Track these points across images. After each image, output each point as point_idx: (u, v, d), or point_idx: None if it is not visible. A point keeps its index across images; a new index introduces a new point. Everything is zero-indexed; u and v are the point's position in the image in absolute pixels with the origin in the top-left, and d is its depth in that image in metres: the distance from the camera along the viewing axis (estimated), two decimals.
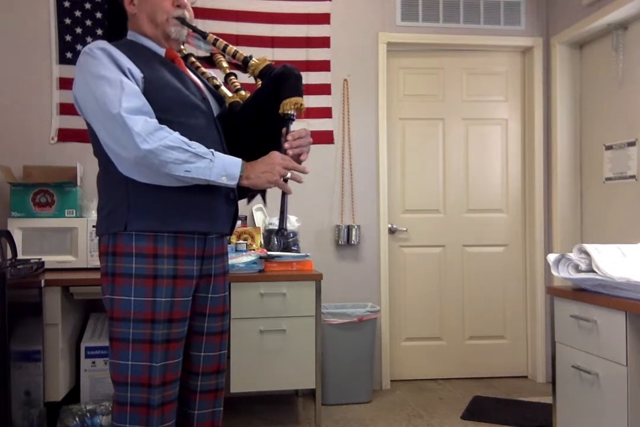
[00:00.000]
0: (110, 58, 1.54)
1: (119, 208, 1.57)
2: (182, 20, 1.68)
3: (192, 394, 1.71)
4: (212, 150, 1.54)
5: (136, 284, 1.55)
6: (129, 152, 1.47)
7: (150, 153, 1.45)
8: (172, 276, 1.58)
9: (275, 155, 1.59)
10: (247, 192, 1.75)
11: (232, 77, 1.85)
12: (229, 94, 1.80)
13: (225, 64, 1.83)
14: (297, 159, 1.66)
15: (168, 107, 1.58)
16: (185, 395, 1.70)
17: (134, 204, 1.56)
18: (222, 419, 1.78)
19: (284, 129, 1.65)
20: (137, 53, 1.62)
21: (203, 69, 1.85)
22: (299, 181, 1.62)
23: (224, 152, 1.66)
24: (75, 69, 1.59)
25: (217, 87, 1.82)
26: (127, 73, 1.53)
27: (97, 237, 1.67)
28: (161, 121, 1.52)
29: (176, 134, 1.50)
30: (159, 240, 1.57)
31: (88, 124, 1.59)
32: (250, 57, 1.73)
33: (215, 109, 1.74)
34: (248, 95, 1.78)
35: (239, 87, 1.82)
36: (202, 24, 3.15)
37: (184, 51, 1.86)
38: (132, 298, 1.55)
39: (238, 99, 1.77)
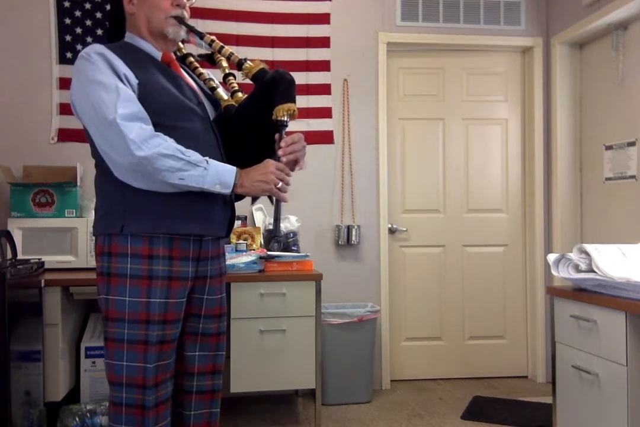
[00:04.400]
0: (107, 63, 1.54)
1: (115, 210, 1.58)
2: (180, 20, 1.68)
3: (187, 395, 1.71)
4: (206, 158, 1.54)
5: (131, 284, 1.55)
6: (124, 158, 1.47)
7: (144, 160, 1.46)
8: (167, 277, 1.58)
9: (269, 163, 1.59)
10: (244, 195, 1.75)
11: (231, 77, 1.84)
12: (225, 96, 1.80)
13: (225, 64, 1.82)
14: (294, 166, 1.66)
15: (164, 111, 1.58)
16: (180, 397, 1.70)
17: (130, 206, 1.56)
18: (220, 420, 1.78)
19: (277, 135, 1.64)
20: (133, 57, 1.62)
21: (201, 70, 1.85)
22: (284, 199, 1.60)
23: (222, 156, 1.66)
24: (73, 73, 1.60)
25: (214, 89, 1.81)
26: (123, 78, 1.54)
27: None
28: (157, 126, 1.53)
29: (171, 142, 1.51)
30: (155, 241, 1.57)
31: (85, 127, 1.60)
32: (245, 59, 1.72)
33: (211, 112, 1.74)
34: (244, 97, 1.78)
35: (236, 88, 1.82)
36: (202, 24, 3.15)
37: (183, 50, 1.86)
38: (127, 299, 1.55)
39: (233, 102, 1.77)
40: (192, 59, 1.85)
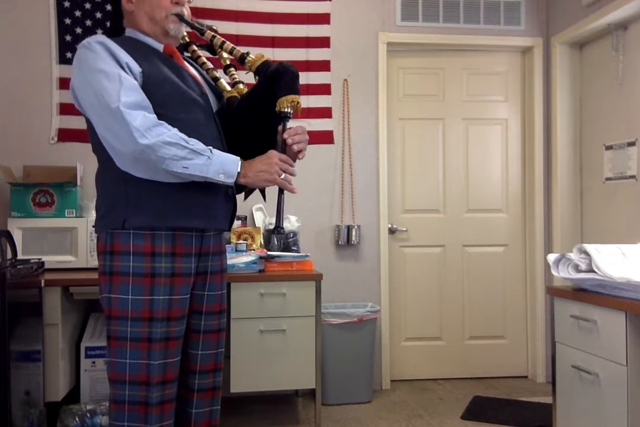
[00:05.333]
0: (109, 52, 1.54)
1: (118, 205, 1.57)
2: (181, 17, 1.68)
3: (190, 392, 1.71)
4: (210, 147, 1.54)
5: (134, 282, 1.55)
6: (127, 146, 1.46)
7: (148, 148, 1.45)
8: (170, 274, 1.58)
9: (273, 154, 1.59)
10: (245, 188, 1.75)
11: (232, 69, 1.84)
12: (228, 87, 1.80)
13: (225, 55, 1.82)
14: (296, 156, 1.66)
15: (166, 102, 1.57)
16: (183, 394, 1.70)
17: (132, 201, 1.56)
18: (220, 419, 1.78)
19: (280, 127, 1.65)
20: (135, 48, 1.62)
21: (203, 59, 1.84)
22: (290, 190, 1.60)
23: (223, 148, 1.66)
24: (73, 63, 1.59)
25: (216, 79, 1.81)
26: (125, 67, 1.53)
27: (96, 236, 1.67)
28: (160, 116, 1.52)
29: (175, 130, 1.50)
30: (157, 238, 1.57)
31: (87, 119, 1.59)
32: (247, 53, 1.72)
33: (214, 104, 1.74)
34: (246, 89, 1.78)
35: (237, 79, 1.81)
36: None
37: (186, 38, 1.85)
38: (130, 297, 1.55)
39: (236, 94, 1.77)
40: (194, 47, 1.85)
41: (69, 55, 3.14)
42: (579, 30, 3.21)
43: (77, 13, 3.17)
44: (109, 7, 3.17)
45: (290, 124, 1.65)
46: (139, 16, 1.67)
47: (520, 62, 3.68)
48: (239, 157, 1.57)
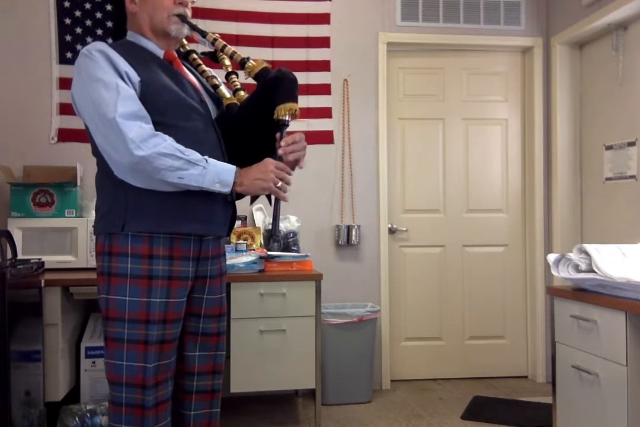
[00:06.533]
0: (108, 61, 1.54)
1: (117, 208, 1.58)
2: (183, 18, 1.68)
3: (187, 395, 1.71)
4: (206, 157, 1.54)
5: (131, 284, 1.55)
6: (123, 157, 1.48)
7: (143, 159, 1.46)
8: (167, 276, 1.59)
9: (268, 162, 1.59)
10: (244, 194, 1.75)
11: (233, 75, 1.84)
12: (227, 95, 1.80)
13: (227, 62, 1.82)
14: (294, 165, 1.66)
15: (165, 109, 1.58)
16: (180, 396, 1.70)
17: (132, 205, 1.56)
18: (220, 420, 1.78)
19: (278, 135, 1.64)
20: (135, 55, 1.62)
21: (204, 67, 1.84)
22: (284, 199, 1.60)
23: (222, 155, 1.66)
24: (74, 70, 1.60)
25: (216, 87, 1.81)
26: (124, 76, 1.54)
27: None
28: (158, 124, 1.53)
29: (170, 141, 1.51)
30: (155, 241, 1.57)
31: (86, 124, 1.60)
32: (248, 58, 1.72)
33: (213, 111, 1.74)
34: (247, 96, 1.78)
35: (238, 86, 1.82)
36: (202, 24, 3.15)
37: (187, 47, 1.85)
38: (127, 298, 1.55)
39: (235, 101, 1.77)
40: (195, 55, 1.85)
41: (69, 55, 3.14)
42: (579, 30, 3.21)
43: (77, 13, 3.17)
44: (109, 7, 3.17)
45: (291, 125, 1.65)
46: (142, 17, 1.68)
47: (520, 62, 3.68)
48: (234, 166, 1.57)
